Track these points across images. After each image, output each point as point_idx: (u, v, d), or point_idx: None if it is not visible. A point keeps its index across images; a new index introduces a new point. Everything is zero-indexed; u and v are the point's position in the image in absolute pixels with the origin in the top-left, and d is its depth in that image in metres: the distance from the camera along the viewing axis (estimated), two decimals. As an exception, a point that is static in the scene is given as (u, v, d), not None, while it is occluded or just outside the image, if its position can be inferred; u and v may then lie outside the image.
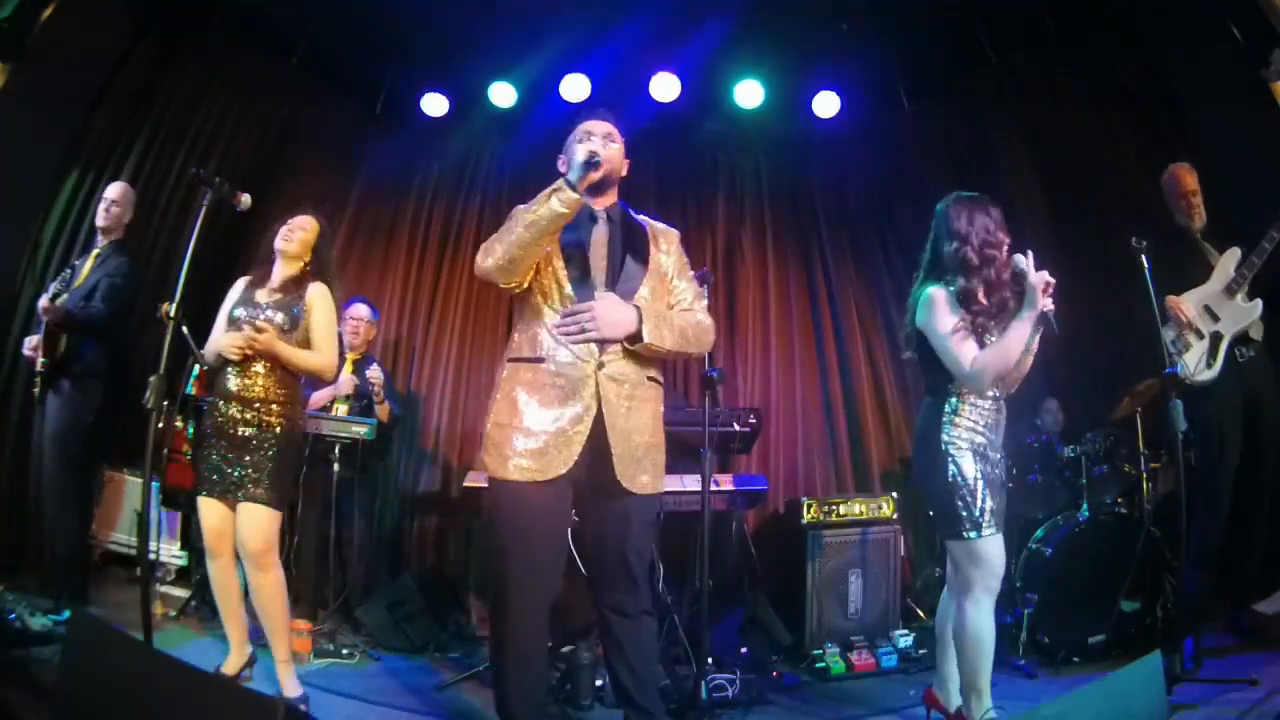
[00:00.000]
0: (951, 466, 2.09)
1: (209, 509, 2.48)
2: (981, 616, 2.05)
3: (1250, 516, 2.97)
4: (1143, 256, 2.60)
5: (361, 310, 3.85)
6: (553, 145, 2.19)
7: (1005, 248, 2.16)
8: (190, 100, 4.13)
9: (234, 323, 2.55)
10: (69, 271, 3.22)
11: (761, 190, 4.98)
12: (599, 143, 2.03)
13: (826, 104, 4.61)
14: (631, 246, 2.08)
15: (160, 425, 2.24)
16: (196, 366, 3.19)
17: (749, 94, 4.59)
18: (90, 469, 3.38)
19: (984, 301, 2.12)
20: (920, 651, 3.19)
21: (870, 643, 3.25)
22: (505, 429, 1.93)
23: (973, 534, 2.05)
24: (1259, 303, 2.93)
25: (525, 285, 1.97)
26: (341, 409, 3.62)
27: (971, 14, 4.20)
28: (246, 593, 2.55)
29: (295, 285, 2.65)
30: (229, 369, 2.52)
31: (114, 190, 3.32)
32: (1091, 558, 3.13)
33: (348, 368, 3.70)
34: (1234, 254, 2.98)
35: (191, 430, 3.34)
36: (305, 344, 2.59)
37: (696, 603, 2.87)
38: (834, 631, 3.32)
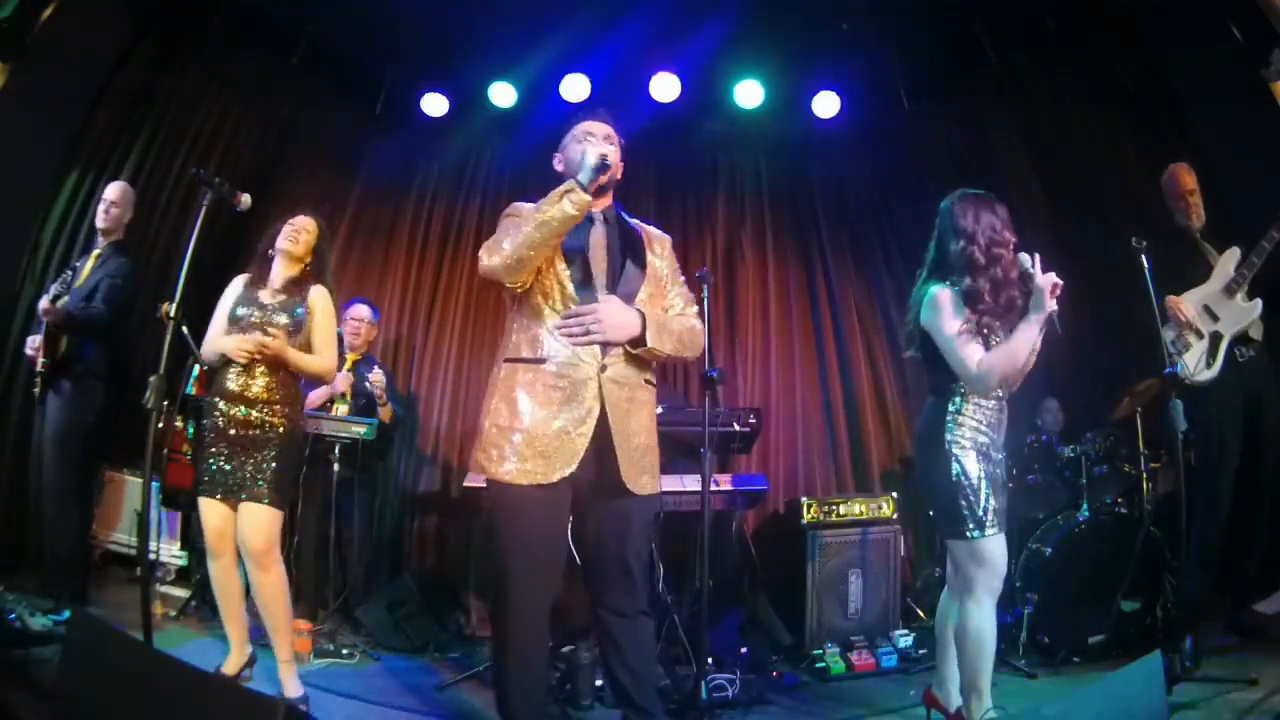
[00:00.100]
0: (955, 466, 2.08)
1: (210, 509, 2.48)
2: (983, 616, 2.04)
3: (1250, 516, 2.97)
4: (1143, 256, 2.60)
5: (362, 311, 3.85)
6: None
7: (1012, 246, 2.13)
8: (190, 100, 4.13)
9: (237, 322, 2.54)
10: (70, 273, 3.22)
11: (761, 190, 4.98)
12: (603, 145, 2.04)
13: (826, 104, 4.61)
14: (629, 249, 2.08)
15: (160, 425, 2.24)
16: (196, 366, 3.20)
17: (749, 94, 4.59)
18: (90, 469, 3.38)
19: (990, 301, 2.09)
20: (920, 651, 3.19)
21: (870, 643, 3.25)
22: (505, 430, 1.92)
23: (976, 534, 2.04)
24: (1259, 302, 2.93)
25: (528, 285, 1.97)
26: (341, 409, 3.62)
27: (971, 14, 4.20)
28: (248, 592, 2.55)
29: (297, 286, 2.65)
30: (230, 369, 2.51)
31: (113, 191, 3.32)
32: (1091, 558, 3.13)
33: (345, 365, 3.70)
34: (1233, 254, 2.98)
35: (191, 430, 3.34)
36: (306, 347, 2.61)
37: (696, 603, 2.87)
38: (834, 631, 3.32)
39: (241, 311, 2.55)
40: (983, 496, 2.05)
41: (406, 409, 4.24)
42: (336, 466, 3.39)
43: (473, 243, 4.65)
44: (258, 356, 2.48)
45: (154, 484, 2.85)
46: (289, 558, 3.27)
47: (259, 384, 2.51)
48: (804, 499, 3.53)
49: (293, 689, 2.49)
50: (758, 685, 2.88)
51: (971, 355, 2.05)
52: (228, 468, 2.46)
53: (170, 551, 3.82)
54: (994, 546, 2.05)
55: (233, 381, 2.50)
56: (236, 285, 2.66)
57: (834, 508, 3.51)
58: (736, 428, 3.44)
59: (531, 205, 2.06)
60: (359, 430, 3.35)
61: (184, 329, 2.77)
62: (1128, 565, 3.05)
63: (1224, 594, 3.06)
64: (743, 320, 4.70)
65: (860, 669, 3.12)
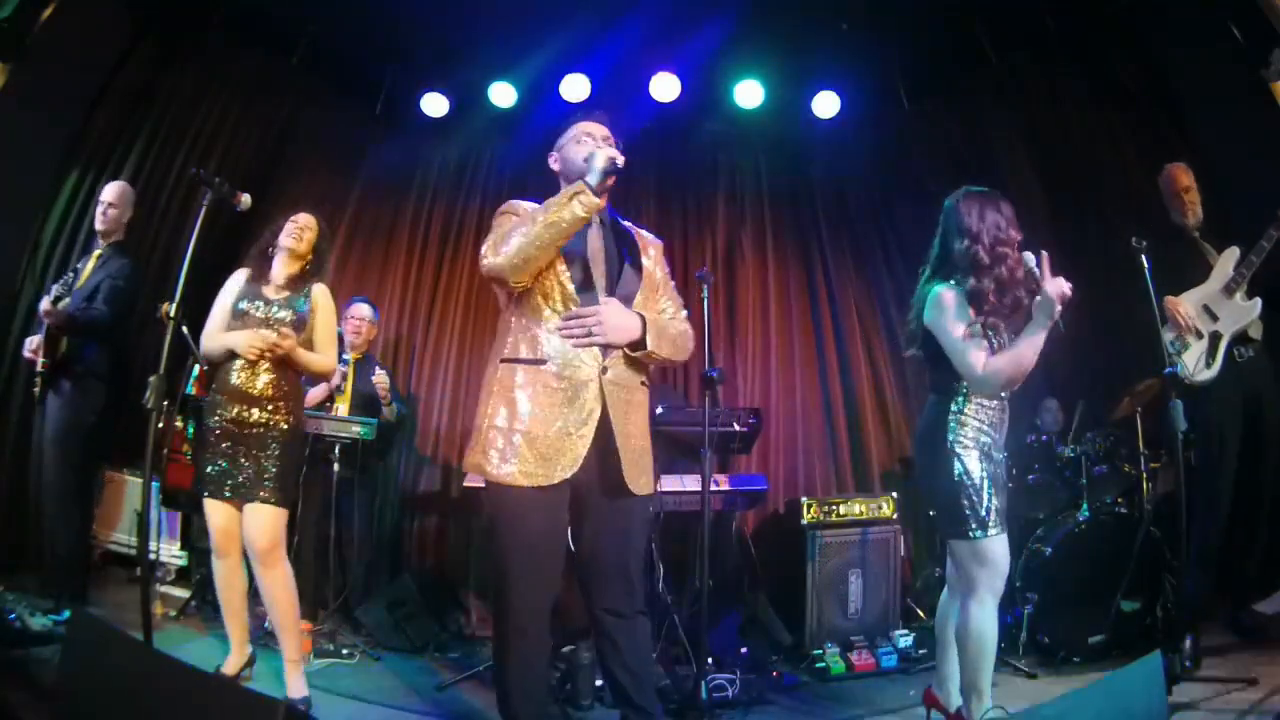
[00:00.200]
0: (958, 466, 2.06)
1: (216, 509, 2.48)
2: (985, 617, 2.04)
3: (1250, 516, 2.97)
4: (1143, 256, 2.60)
5: (363, 310, 3.85)
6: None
7: (1017, 245, 2.10)
8: (190, 100, 4.13)
9: (241, 316, 2.54)
10: (71, 274, 3.21)
11: (761, 190, 4.98)
12: (608, 147, 2.03)
13: (826, 104, 4.61)
14: (626, 252, 2.09)
15: (160, 425, 2.24)
16: (196, 367, 3.20)
17: (749, 94, 4.59)
18: (90, 469, 3.38)
19: (995, 301, 2.07)
20: (920, 651, 3.19)
21: (870, 643, 3.25)
22: (504, 432, 1.91)
23: (979, 534, 2.03)
24: (1258, 301, 2.93)
25: (528, 285, 1.97)
26: (341, 408, 3.62)
27: (971, 14, 4.20)
28: (251, 592, 2.55)
29: (299, 284, 2.65)
30: (234, 364, 2.50)
31: (110, 192, 3.31)
32: (1091, 558, 3.13)
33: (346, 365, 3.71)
34: (1232, 253, 2.98)
35: (191, 430, 3.34)
36: (308, 344, 2.61)
37: (696, 603, 2.87)
38: (834, 631, 3.32)
39: (245, 306, 2.55)
40: (985, 496, 2.04)
41: (407, 409, 4.24)
42: (336, 466, 3.39)
43: (473, 243, 4.65)
44: (268, 355, 2.48)
45: (154, 484, 2.86)
46: (289, 557, 3.27)
47: (263, 380, 2.51)
48: (804, 499, 3.53)
49: (297, 689, 2.48)
50: (758, 685, 2.88)
51: (977, 359, 2.03)
52: (232, 468, 2.46)
53: (170, 551, 3.83)
54: (996, 546, 2.04)
55: (236, 377, 2.49)
56: (238, 279, 2.65)
57: (834, 508, 3.51)
58: (736, 428, 3.44)
59: (529, 204, 2.06)
60: (359, 430, 3.35)
61: (184, 329, 2.78)
62: (1128, 565, 3.05)
63: (1224, 594, 3.06)
64: (743, 320, 4.70)
65: (860, 669, 3.12)
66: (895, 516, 3.57)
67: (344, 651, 3.13)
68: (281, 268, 2.66)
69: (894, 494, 3.67)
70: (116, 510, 3.80)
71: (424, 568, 4.14)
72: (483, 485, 1.98)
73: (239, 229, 3.66)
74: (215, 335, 2.55)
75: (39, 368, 3.09)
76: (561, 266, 1.96)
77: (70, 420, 3.10)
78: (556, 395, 1.91)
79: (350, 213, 4.67)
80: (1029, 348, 1.98)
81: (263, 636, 3.03)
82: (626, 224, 2.19)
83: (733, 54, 4.45)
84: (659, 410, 3.26)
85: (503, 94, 4.58)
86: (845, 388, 4.62)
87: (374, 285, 4.56)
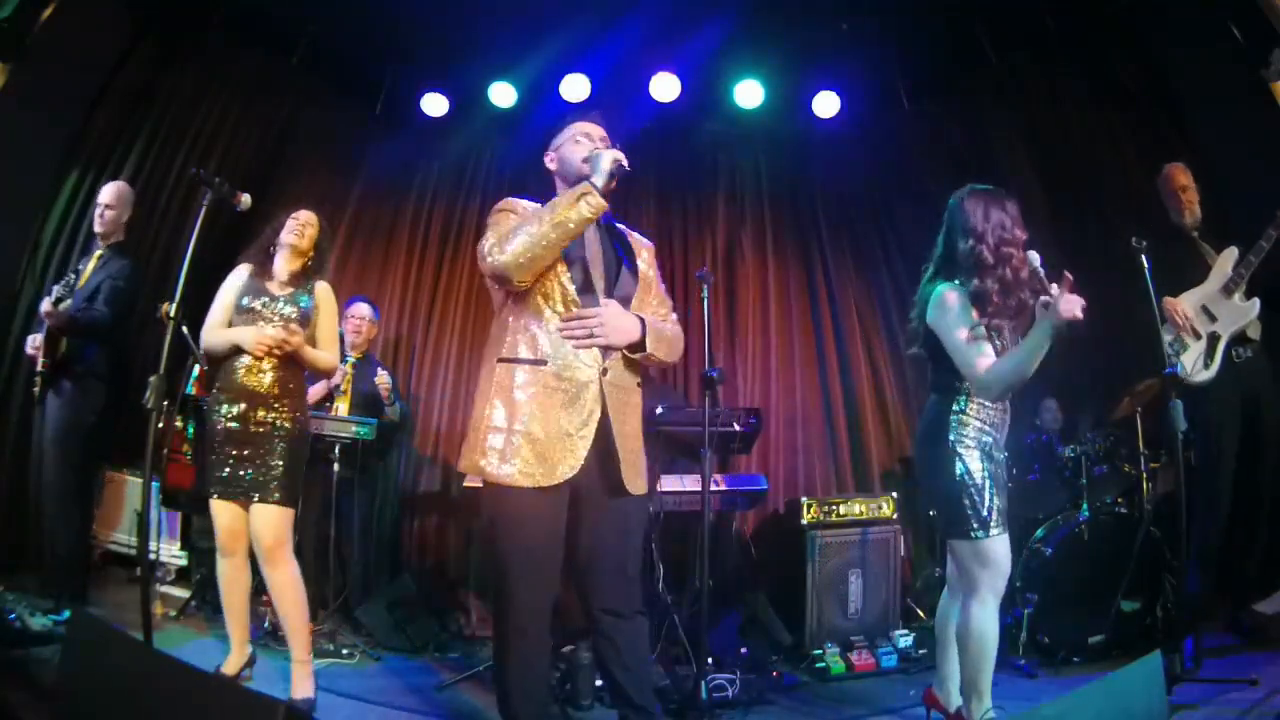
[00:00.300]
0: (959, 465, 2.05)
1: (221, 509, 2.47)
2: (987, 617, 2.03)
3: (1250, 517, 2.97)
4: (1143, 256, 2.60)
5: (363, 309, 3.85)
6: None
7: (1022, 244, 2.07)
8: (190, 100, 4.13)
9: (246, 312, 2.53)
10: (73, 276, 3.20)
11: (761, 190, 4.98)
12: (609, 149, 2.03)
13: (826, 104, 4.61)
14: (623, 255, 2.10)
15: (160, 425, 2.24)
16: (196, 367, 3.20)
17: (749, 94, 4.59)
18: (90, 469, 3.38)
19: (999, 302, 2.05)
20: (920, 651, 3.19)
21: (870, 643, 3.25)
22: (504, 432, 1.90)
23: (980, 534, 2.03)
24: (1256, 302, 2.93)
25: (530, 285, 1.97)
26: (341, 408, 3.62)
27: (971, 14, 4.20)
28: (254, 592, 2.55)
29: (302, 280, 2.65)
30: (238, 361, 2.49)
31: (107, 194, 3.30)
32: (1091, 558, 3.13)
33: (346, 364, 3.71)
34: (1231, 253, 2.98)
35: (191, 430, 3.34)
36: (312, 341, 2.61)
37: (696, 603, 2.87)
38: (834, 631, 3.32)
39: (250, 302, 2.54)
40: (987, 496, 2.03)
41: (409, 409, 4.24)
42: (336, 466, 3.39)
43: (473, 242, 4.65)
44: (276, 352, 2.47)
45: (154, 484, 2.85)
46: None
47: (268, 378, 2.49)
48: (804, 499, 3.53)
49: (302, 689, 2.45)
50: (758, 685, 2.88)
51: (980, 363, 2.01)
52: (238, 468, 2.44)
53: (170, 551, 3.82)
54: (998, 547, 2.04)
55: (240, 375, 2.48)
56: (240, 275, 2.63)
57: (834, 508, 3.51)
58: (736, 428, 3.44)
59: (527, 202, 2.06)
60: (359, 430, 3.35)
61: (184, 329, 2.77)
62: (1128, 565, 3.05)
63: (1224, 594, 3.06)
64: (743, 320, 4.70)
65: (860, 669, 3.12)
66: (895, 516, 3.57)
67: (344, 651, 3.13)
68: (284, 264, 2.66)
69: (894, 494, 3.67)
70: (116, 510, 3.80)
71: (424, 568, 4.14)
72: (481, 485, 1.98)
73: (239, 229, 3.64)
74: (217, 330, 2.54)
75: (39, 367, 3.09)
76: (562, 268, 1.96)
77: (70, 420, 3.10)
78: (557, 396, 1.91)
79: (350, 213, 4.67)
80: (1032, 357, 1.94)
81: (263, 636, 3.04)
82: (620, 226, 2.20)
83: (733, 54, 4.44)
84: (659, 410, 3.26)
85: (503, 94, 4.58)
86: (845, 388, 4.62)
87: (374, 285, 4.56)
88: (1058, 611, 3.08)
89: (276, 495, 2.45)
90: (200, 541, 3.66)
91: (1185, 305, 2.99)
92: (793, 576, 3.43)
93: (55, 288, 3.10)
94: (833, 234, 4.89)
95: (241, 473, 2.45)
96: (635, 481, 2.00)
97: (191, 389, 3.32)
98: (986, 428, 2.10)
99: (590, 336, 1.93)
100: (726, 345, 4.63)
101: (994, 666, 2.07)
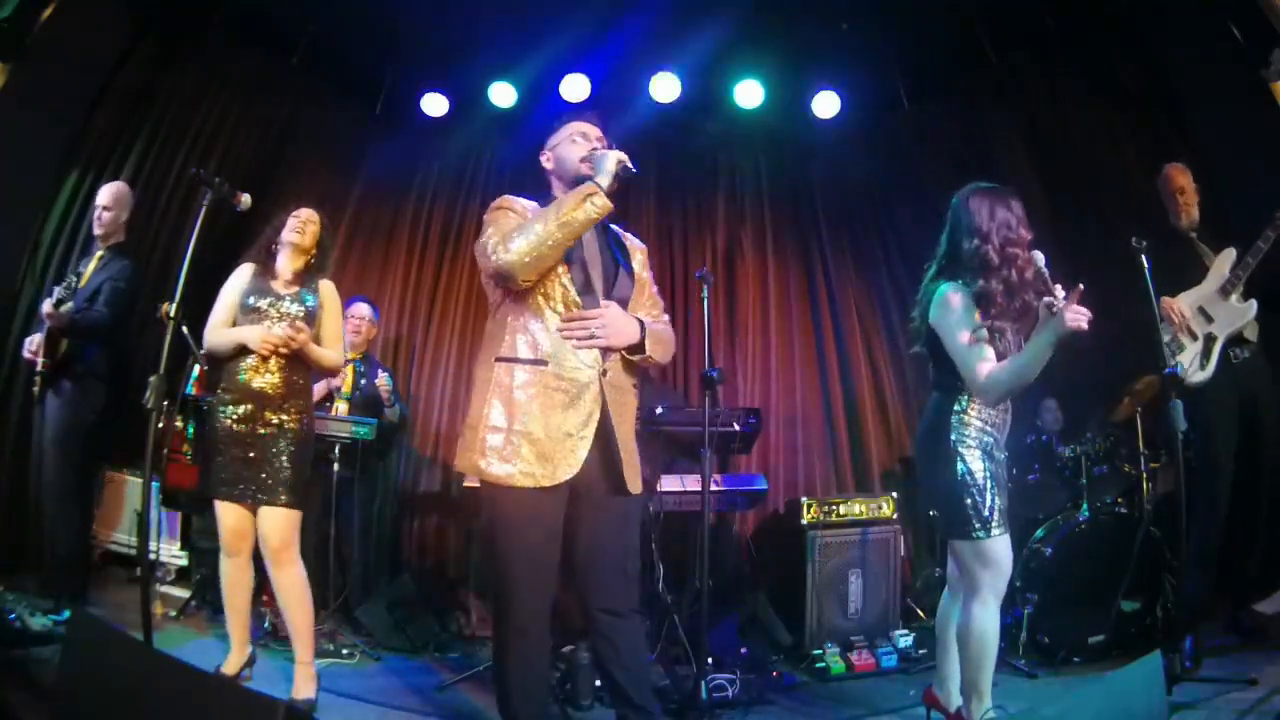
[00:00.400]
0: (961, 465, 2.05)
1: (227, 511, 2.46)
2: (988, 617, 2.03)
3: (1250, 517, 2.97)
4: (1143, 256, 2.60)
5: (363, 309, 3.85)
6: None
7: (1028, 244, 2.05)
8: (190, 100, 4.13)
9: (251, 311, 2.51)
10: (74, 277, 3.19)
11: (761, 190, 4.98)
12: (611, 149, 2.04)
13: (826, 104, 4.61)
14: (618, 256, 2.11)
15: (160, 425, 2.23)
16: (196, 367, 3.19)
17: (749, 94, 4.59)
18: (91, 469, 3.39)
19: (1003, 304, 2.03)
20: (920, 651, 3.19)
21: (870, 643, 3.25)
22: (503, 432, 1.90)
23: (981, 534, 2.02)
24: (1253, 303, 2.93)
25: (533, 284, 1.96)
26: (341, 408, 3.62)
27: (971, 14, 4.20)
28: (257, 593, 2.54)
29: (306, 278, 2.65)
30: (243, 361, 2.48)
31: (104, 195, 3.29)
32: (1091, 558, 3.13)
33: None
34: (1229, 255, 2.98)
35: (191, 430, 3.34)
36: (316, 340, 2.60)
37: (696, 603, 2.87)
38: (834, 631, 3.32)
39: (256, 302, 2.52)
40: (988, 496, 2.03)
41: (408, 410, 4.24)
42: (336, 466, 3.39)
43: (473, 242, 4.63)
44: (283, 350, 2.46)
45: (154, 484, 2.85)
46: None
47: (274, 378, 2.48)
48: (804, 499, 3.53)
49: (305, 691, 2.44)
50: (758, 685, 2.88)
51: (982, 366, 2.00)
52: (244, 471, 2.43)
53: (170, 551, 3.82)
54: (999, 547, 2.03)
55: (245, 375, 2.47)
56: (244, 274, 2.61)
57: (834, 508, 3.51)
58: (736, 428, 3.45)
59: (525, 201, 2.07)
60: (359, 430, 3.35)
61: (184, 329, 2.77)
62: (1128, 565, 3.05)
63: (1224, 594, 3.06)
64: (743, 320, 4.70)
65: (860, 669, 3.12)
66: (895, 516, 3.57)
67: (344, 651, 3.13)
68: (288, 263, 2.65)
69: (894, 494, 3.67)
70: (116, 510, 3.80)
71: (424, 568, 4.14)
72: (479, 485, 1.97)
73: (239, 229, 3.65)
74: (220, 331, 2.52)
75: (39, 367, 3.09)
76: (562, 268, 1.96)
77: (70, 420, 3.10)
78: (558, 396, 1.91)
79: (350, 213, 4.66)
80: (1033, 364, 1.93)
81: (263, 636, 3.04)
82: (614, 227, 2.20)
83: (733, 54, 4.45)
84: (659, 410, 3.26)
85: (503, 94, 4.57)
86: (845, 388, 4.63)
87: (374, 285, 4.56)
88: (1058, 611, 3.08)
89: (284, 498, 2.44)
90: (200, 541, 3.66)
91: (1182, 305, 2.99)
92: (793, 576, 3.43)
93: (56, 289, 3.10)
94: (833, 234, 4.89)
95: (248, 474, 2.43)
96: (634, 481, 2.01)
97: (191, 389, 3.31)
98: (988, 427, 2.10)
99: (591, 337, 1.93)
100: (726, 345, 4.63)
101: (994, 666, 2.07)
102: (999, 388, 2.00)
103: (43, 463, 3.14)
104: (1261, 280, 2.92)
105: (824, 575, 3.38)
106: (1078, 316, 1.84)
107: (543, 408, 1.90)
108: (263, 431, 2.46)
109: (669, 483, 3.35)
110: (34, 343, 3.11)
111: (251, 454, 2.44)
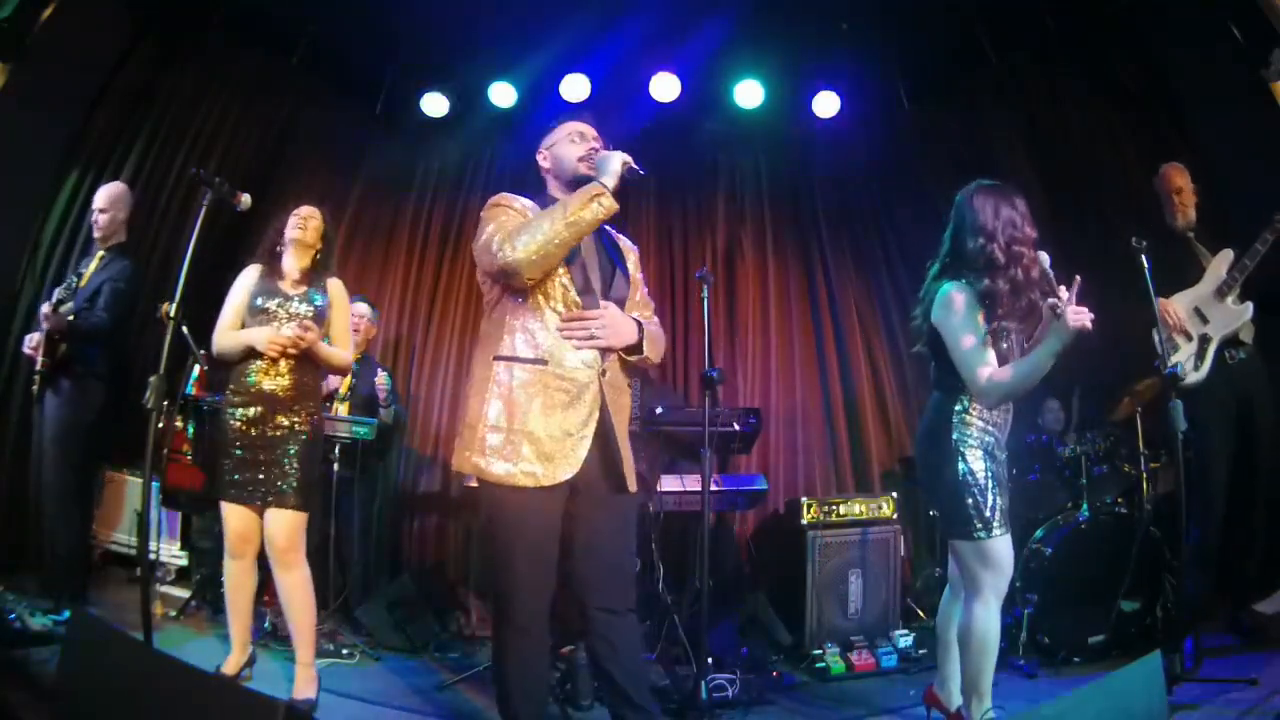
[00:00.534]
0: (962, 465, 2.04)
1: (234, 514, 2.45)
2: (990, 618, 2.03)
3: (1248, 517, 2.97)
4: (1143, 256, 2.59)
5: (362, 309, 3.85)
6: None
7: (1033, 243, 2.04)
8: (190, 100, 4.13)
9: (261, 312, 2.49)
10: (75, 278, 3.19)
11: (761, 190, 4.98)
12: (597, 147, 2.05)
13: (826, 104, 4.61)
14: (614, 256, 2.12)
15: (160, 425, 2.23)
16: (196, 367, 3.19)
17: (749, 94, 4.59)
18: (91, 469, 3.39)
19: (1008, 304, 2.01)
20: (920, 651, 3.19)
21: (870, 643, 3.25)
22: (503, 431, 1.89)
23: (983, 534, 2.02)
24: (1249, 305, 2.93)
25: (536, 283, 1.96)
26: (341, 408, 3.62)
27: (971, 14, 4.20)
28: (259, 593, 2.54)
29: (313, 276, 2.64)
30: (252, 364, 2.47)
31: (101, 197, 3.28)
32: (1091, 558, 3.13)
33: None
34: (1226, 256, 2.98)
35: (191, 430, 3.34)
36: (326, 338, 2.60)
37: (696, 603, 2.87)
38: (834, 631, 3.32)
39: (265, 303, 2.51)
40: (990, 496, 2.02)
41: (405, 411, 4.24)
42: (336, 466, 3.39)
43: (473, 243, 4.65)
44: (291, 351, 2.45)
45: (154, 484, 2.85)
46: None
47: (285, 380, 2.47)
48: (804, 499, 3.52)
49: (305, 692, 2.44)
50: (758, 685, 2.88)
51: (983, 369, 1.99)
52: (252, 473, 2.42)
53: (170, 551, 3.82)
54: (1001, 547, 2.03)
55: (255, 377, 2.45)
56: (251, 275, 2.60)
57: (834, 508, 3.51)
58: (736, 428, 3.45)
59: (524, 200, 2.07)
60: (359, 430, 3.35)
61: (184, 329, 2.77)
62: (1128, 565, 3.05)
63: (1224, 594, 3.06)
64: (743, 320, 4.70)
65: (860, 669, 3.12)
66: (895, 516, 3.56)
67: (344, 651, 3.13)
68: (294, 261, 2.64)
69: (894, 494, 3.67)
70: (116, 510, 3.80)
71: (424, 568, 4.14)
72: (478, 484, 1.97)
73: (239, 229, 3.66)
74: (228, 333, 2.50)
75: (39, 366, 3.09)
76: (562, 268, 1.97)
77: (70, 420, 3.10)
78: (558, 396, 1.91)
79: (350, 213, 4.66)
80: (1036, 370, 1.92)
81: (263, 636, 3.03)
82: (609, 228, 2.19)
83: (733, 54, 4.44)
84: (659, 410, 3.27)
85: (503, 94, 4.57)
86: (845, 388, 4.63)
87: (374, 285, 4.57)
88: (1058, 611, 3.08)
89: (292, 500, 2.43)
90: (200, 541, 3.66)
91: (1177, 306, 2.99)
92: (792, 576, 3.43)
93: (56, 291, 3.10)
94: (833, 234, 4.89)
95: (256, 477, 2.42)
96: (632, 479, 2.02)
97: (191, 389, 3.32)
98: (989, 427, 2.09)
99: (591, 338, 1.94)
100: (726, 345, 4.63)
101: (994, 666, 2.07)
102: (998, 391, 2.00)
103: (42, 463, 3.14)
104: (1259, 283, 2.92)
105: (824, 575, 3.38)
106: (1080, 316, 1.84)
107: (543, 407, 1.90)
108: (272, 434, 2.45)
109: (669, 483, 3.35)
110: (34, 340, 3.11)
111: (260, 456, 2.43)
